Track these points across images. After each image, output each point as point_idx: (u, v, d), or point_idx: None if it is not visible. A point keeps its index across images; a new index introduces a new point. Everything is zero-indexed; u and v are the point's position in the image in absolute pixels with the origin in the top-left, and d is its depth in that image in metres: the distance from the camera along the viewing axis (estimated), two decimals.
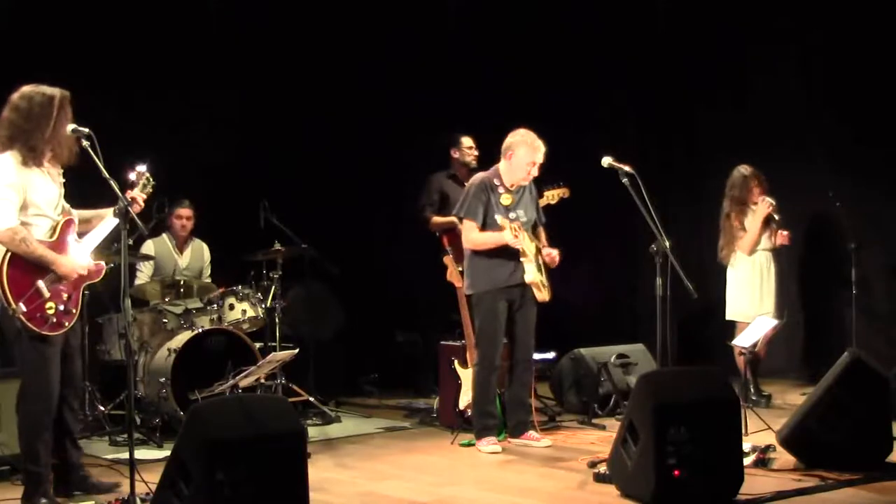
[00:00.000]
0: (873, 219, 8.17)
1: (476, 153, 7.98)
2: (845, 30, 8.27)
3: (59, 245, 4.93)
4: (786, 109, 8.58)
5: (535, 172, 6.36)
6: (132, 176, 5.16)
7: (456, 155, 8.03)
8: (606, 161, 5.97)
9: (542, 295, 6.43)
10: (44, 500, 4.92)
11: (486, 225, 6.31)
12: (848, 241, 7.93)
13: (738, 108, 8.86)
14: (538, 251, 6.44)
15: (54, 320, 4.85)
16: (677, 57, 9.21)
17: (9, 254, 4.77)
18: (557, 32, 9.34)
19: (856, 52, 8.21)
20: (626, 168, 5.90)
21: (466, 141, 8.03)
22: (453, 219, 7.45)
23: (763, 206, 7.58)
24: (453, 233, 7.87)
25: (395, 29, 9.01)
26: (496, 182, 6.39)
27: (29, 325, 4.77)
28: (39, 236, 4.88)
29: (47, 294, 4.83)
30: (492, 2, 9.27)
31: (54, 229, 4.95)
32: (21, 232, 4.78)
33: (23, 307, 4.74)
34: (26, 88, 4.90)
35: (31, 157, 4.85)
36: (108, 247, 6.60)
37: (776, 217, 7.62)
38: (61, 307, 4.87)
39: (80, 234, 5.11)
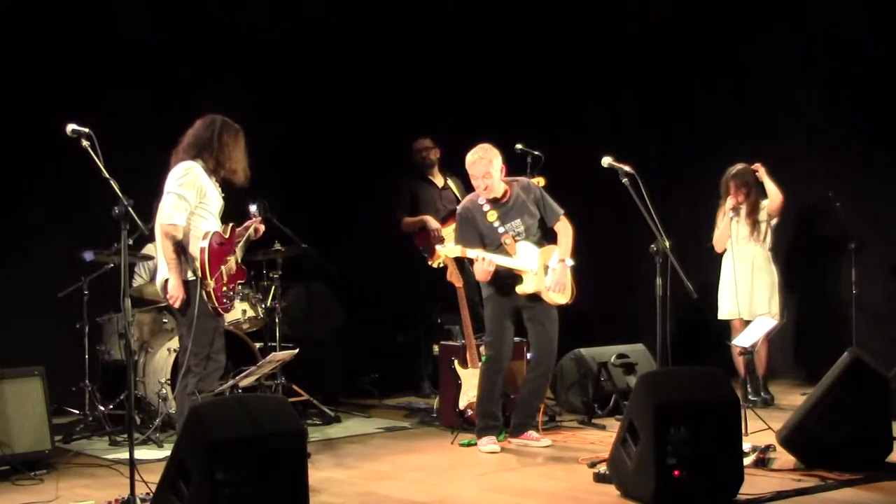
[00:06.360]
0: (873, 219, 8.17)
1: (429, 152, 8.19)
2: (847, 27, 8.26)
3: (229, 242, 5.70)
4: (786, 109, 8.57)
5: (485, 184, 6.20)
6: (252, 208, 6.06)
7: (414, 157, 8.25)
8: (606, 161, 5.97)
9: (559, 299, 6.36)
10: None
11: (487, 244, 6.27)
12: (848, 241, 7.94)
13: (739, 107, 8.85)
14: (550, 257, 6.34)
15: (226, 302, 5.65)
16: (677, 56, 9.20)
17: (210, 234, 5.53)
18: (556, 31, 9.33)
19: (857, 51, 8.20)
20: (626, 168, 5.89)
21: (419, 143, 8.23)
22: (423, 218, 7.80)
23: (728, 204, 7.58)
24: (424, 233, 7.93)
25: (397, 28, 9.01)
26: (480, 202, 6.33)
27: (213, 298, 5.52)
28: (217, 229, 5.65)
29: (225, 279, 5.62)
30: (488, 1, 9.26)
31: (225, 230, 5.71)
32: (179, 232, 5.54)
33: (213, 283, 5.52)
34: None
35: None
36: (108, 247, 6.61)
37: (745, 210, 7.62)
38: (230, 293, 5.69)
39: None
